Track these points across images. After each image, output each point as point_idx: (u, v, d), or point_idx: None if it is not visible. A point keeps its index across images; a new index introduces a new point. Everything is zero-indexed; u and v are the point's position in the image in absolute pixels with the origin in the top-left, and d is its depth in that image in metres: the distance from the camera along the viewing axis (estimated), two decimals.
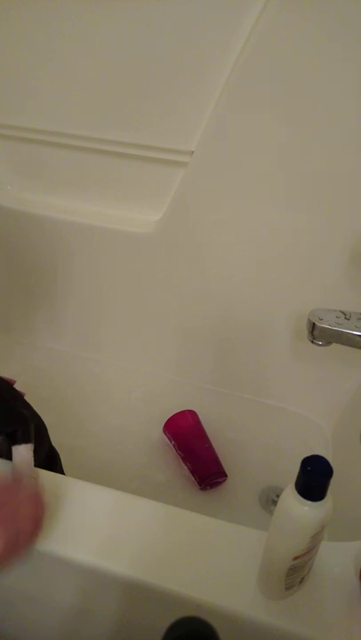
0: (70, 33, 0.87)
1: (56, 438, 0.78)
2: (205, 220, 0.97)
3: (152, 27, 0.83)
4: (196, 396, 1.15)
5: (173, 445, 1.04)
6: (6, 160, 1.06)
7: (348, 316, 0.73)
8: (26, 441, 0.65)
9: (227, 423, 1.10)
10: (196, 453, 1.01)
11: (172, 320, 1.14)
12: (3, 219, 1.09)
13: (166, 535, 0.58)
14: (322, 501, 0.44)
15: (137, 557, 0.55)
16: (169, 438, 1.06)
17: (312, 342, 0.75)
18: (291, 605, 0.52)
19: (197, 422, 1.06)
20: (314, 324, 0.73)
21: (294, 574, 0.50)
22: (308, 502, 0.44)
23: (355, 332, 0.71)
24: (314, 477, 0.44)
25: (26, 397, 0.76)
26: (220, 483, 0.99)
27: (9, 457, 0.64)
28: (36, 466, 0.64)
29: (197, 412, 1.08)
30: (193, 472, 0.99)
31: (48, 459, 0.77)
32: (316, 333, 0.73)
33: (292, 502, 0.45)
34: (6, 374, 0.77)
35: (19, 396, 0.75)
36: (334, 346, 0.74)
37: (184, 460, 1.01)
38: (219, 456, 1.01)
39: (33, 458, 0.65)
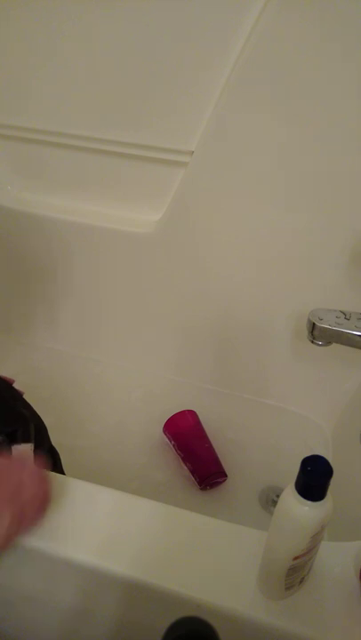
0: (70, 33, 0.87)
1: (56, 438, 0.78)
2: (205, 220, 0.97)
3: (152, 27, 0.83)
4: (196, 396, 1.15)
5: (173, 445, 1.04)
6: (6, 160, 1.06)
7: (348, 316, 0.73)
8: (26, 441, 0.65)
9: (227, 423, 1.10)
10: (196, 453, 1.01)
11: (172, 320, 1.14)
12: (3, 219, 1.09)
13: (166, 535, 0.58)
14: (322, 501, 0.44)
15: (137, 557, 0.55)
16: (169, 438, 1.06)
17: (312, 342, 0.75)
18: (291, 605, 0.52)
19: (197, 422, 1.06)
20: (314, 324, 0.73)
21: (294, 574, 0.50)
22: (308, 502, 0.44)
23: (355, 332, 0.71)
24: (314, 477, 0.44)
25: (26, 397, 0.76)
26: (220, 483, 0.99)
27: None
28: None
29: (197, 412, 1.08)
30: (193, 472, 0.99)
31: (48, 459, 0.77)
32: (316, 333, 0.73)
33: (292, 502, 0.45)
34: (6, 374, 0.77)
35: (18, 396, 0.76)
36: (334, 346, 0.74)
37: (184, 460, 1.01)
38: (219, 456, 1.01)
39: (33, 457, 0.65)
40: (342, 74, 0.76)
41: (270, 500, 0.98)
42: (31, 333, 1.28)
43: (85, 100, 0.93)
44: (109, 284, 1.14)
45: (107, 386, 1.19)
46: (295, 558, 0.47)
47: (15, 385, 0.77)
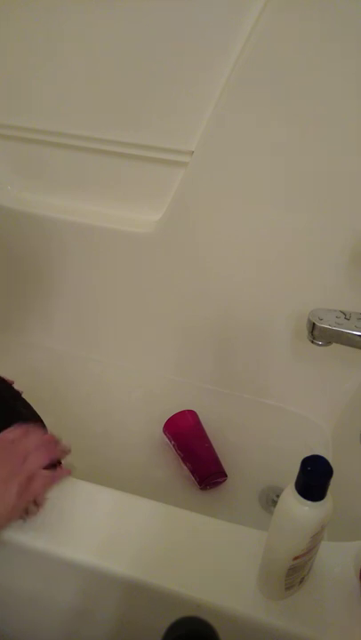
0: (70, 33, 0.87)
1: None
2: (205, 220, 0.97)
3: (152, 27, 0.83)
4: (196, 396, 1.15)
5: (173, 445, 1.04)
6: (6, 160, 1.06)
7: (348, 316, 0.73)
8: None
9: (227, 423, 1.10)
10: (196, 453, 1.01)
11: (172, 320, 1.14)
12: (3, 219, 1.09)
13: (166, 535, 0.58)
14: (322, 501, 0.44)
15: (137, 557, 0.55)
16: (169, 438, 1.06)
17: (312, 342, 0.75)
18: (291, 605, 0.52)
19: (197, 422, 1.06)
20: (314, 324, 0.73)
21: (294, 574, 0.50)
22: (308, 502, 0.44)
23: (355, 332, 0.71)
24: (314, 477, 0.44)
25: (26, 398, 0.77)
26: (220, 483, 0.99)
27: None
28: None
29: (197, 412, 1.08)
30: (193, 472, 0.99)
31: None
32: (316, 333, 0.73)
33: (292, 502, 0.45)
34: (6, 374, 0.77)
35: (18, 396, 0.76)
36: (334, 346, 0.74)
37: (184, 459, 1.01)
38: (219, 456, 1.01)
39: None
40: (342, 74, 0.76)
41: (270, 500, 0.98)
42: (31, 333, 1.28)
43: (85, 100, 0.93)
44: (109, 284, 1.14)
45: (107, 386, 1.19)
46: (295, 558, 0.47)
47: (14, 385, 0.77)
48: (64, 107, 0.95)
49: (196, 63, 0.84)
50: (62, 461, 0.67)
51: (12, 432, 0.59)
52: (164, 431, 1.06)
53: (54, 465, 0.62)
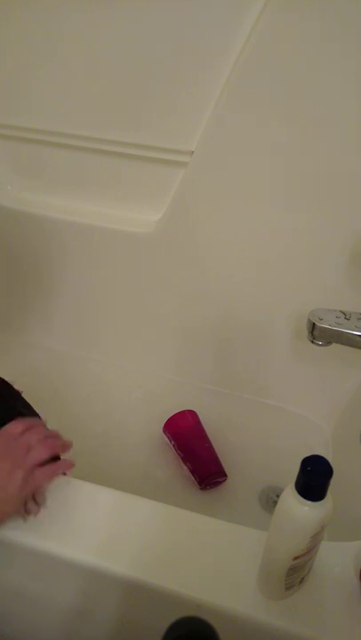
0: (70, 33, 0.87)
1: None
2: (205, 220, 0.97)
3: (152, 26, 0.83)
4: (196, 396, 1.15)
5: (173, 445, 1.04)
6: (6, 160, 1.06)
7: (348, 316, 0.73)
8: None
9: (227, 423, 1.10)
10: (196, 453, 1.01)
11: (172, 320, 1.14)
12: (3, 219, 1.09)
13: (166, 535, 0.58)
14: (322, 501, 0.44)
15: (137, 557, 0.55)
16: (169, 438, 1.06)
17: (312, 342, 0.75)
18: (291, 605, 0.52)
19: (197, 422, 1.06)
20: (314, 324, 0.73)
21: (294, 574, 0.50)
22: (308, 502, 0.44)
23: (355, 332, 0.71)
24: (314, 477, 0.44)
25: (26, 398, 0.77)
26: (220, 483, 0.99)
27: None
28: None
29: (197, 412, 1.08)
30: (193, 472, 0.99)
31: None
32: (316, 333, 0.73)
33: (292, 502, 0.45)
34: (5, 374, 0.77)
35: (18, 396, 0.76)
36: (334, 346, 0.74)
37: (184, 459, 1.01)
38: (219, 456, 1.01)
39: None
40: (342, 74, 0.76)
41: (270, 500, 0.98)
42: (31, 333, 1.28)
43: (85, 100, 0.93)
44: (109, 284, 1.14)
45: (107, 386, 1.19)
46: (295, 558, 0.47)
47: (15, 385, 0.77)
48: (64, 107, 0.95)
49: (196, 63, 0.84)
50: (62, 457, 0.67)
51: (15, 426, 0.60)
52: (164, 431, 1.06)
53: (55, 459, 0.62)
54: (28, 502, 0.58)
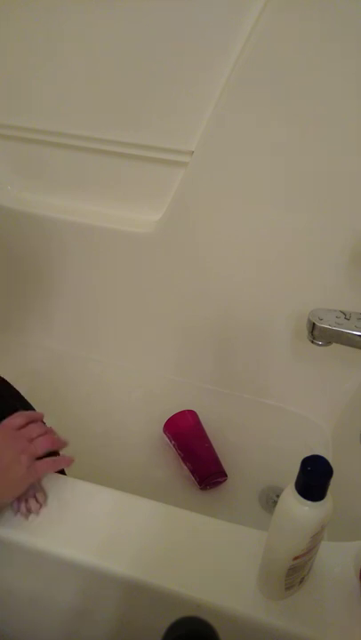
0: (70, 33, 0.87)
1: None
2: (205, 220, 0.97)
3: (152, 26, 0.83)
4: (196, 396, 1.15)
5: (173, 445, 1.04)
6: (6, 160, 1.06)
7: (348, 316, 0.73)
8: None
9: (227, 423, 1.10)
10: (196, 453, 1.01)
11: (172, 320, 1.14)
12: (3, 219, 1.09)
13: (166, 535, 0.58)
14: (322, 501, 0.44)
15: (137, 557, 0.55)
16: (169, 438, 1.06)
17: (312, 342, 0.75)
18: (291, 605, 0.52)
19: (197, 422, 1.06)
20: (314, 324, 0.73)
21: (294, 574, 0.50)
22: (308, 502, 0.44)
23: (355, 332, 0.71)
24: (314, 477, 0.44)
25: (26, 398, 0.77)
26: (220, 483, 0.99)
27: None
28: None
29: (197, 412, 1.08)
30: (193, 472, 0.99)
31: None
32: (316, 333, 0.73)
33: (292, 502, 0.45)
34: (5, 375, 0.77)
35: (18, 396, 0.76)
36: (334, 346, 0.74)
37: (184, 459, 1.01)
38: (219, 456, 1.01)
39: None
40: (342, 74, 0.76)
41: (270, 500, 0.98)
42: (31, 333, 1.28)
43: (85, 100, 0.93)
44: (109, 284, 1.14)
45: (107, 386, 1.19)
46: (295, 558, 0.47)
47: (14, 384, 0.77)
48: (64, 107, 0.95)
49: (196, 63, 0.84)
50: (61, 453, 0.68)
51: (15, 419, 0.62)
52: (165, 431, 1.06)
53: (54, 454, 0.63)
54: (29, 500, 0.58)
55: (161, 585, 0.54)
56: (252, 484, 1.00)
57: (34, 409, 0.75)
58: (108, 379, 1.21)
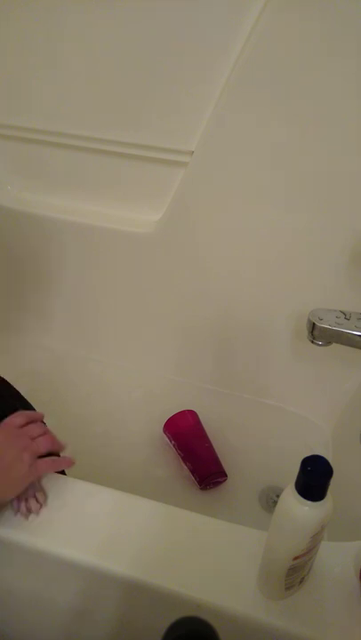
0: (70, 33, 0.87)
1: None
2: (205, 219, 0.97)
3: (152, 27, 0.83)
4: (196, 396, 1.15)
5: (173, 445, 1.04)
6: (6, 160, 1.06)
7: (348, 316, 0.73)
8: None
9: (227, 423, 1.10)
10: (196, 453, 1.01)
11: (172, 320, 1.14)
12: (3, 219, 1.09)
13: (166, 535, 0.58)
14: (322, 501, 0.44)
15: (137, 557, 0.55)
16: (169, 438, 1.06)
17: (312, 342, 0.75)
18: (291, 605, 0.52)
19: (197, 422, 1.06)
20: (314, 324, 0.73)
21: (294, 574, 0.50)
22: (308, 502, 0.44)
23: (355, 332, 0.71)
24: (314, 477, 0.44)
25: (26, 398, 0.76)
26: (221, 483, 0.99)
27: None
28: None
29: (197, 412, 1.08)
30: (193, 472, 0.99)
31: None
32: (316, 333, 0.73)
33: (292, 502, 0.45)
34: (6, 375, 0.77)
35: (18, 396, 0.76)
36: (334, 346, 0.74)
37: (184, 459, 1.01)
38: (219, 456, 1.01)
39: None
40: (342, 74, 0.76)
41: (270, 500, 0.98)
42: (31, 334, 1.28)
43: (85, 99, 0.93)
44: (109, 284, 1.14)
45: (107, 386, 1.19)
46: (295, 558, 0.47)
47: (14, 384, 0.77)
48: (64, 107, 0.95)
49: (196, 63, 0.84)
50: (62, 454, 0.67)
51: (16, 418, 0.62)
52: (165, 431, 1.06)
53: (53, 456, 0.63)
54: (30, 500, 0.58)
55: (161, 585, 0.54)
56: (252, 483, 1.00)
57: (34, 409, 0.75)
58: (108, 379, 1.21)
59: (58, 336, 1.26)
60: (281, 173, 0.87)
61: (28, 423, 0.62)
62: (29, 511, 0.58)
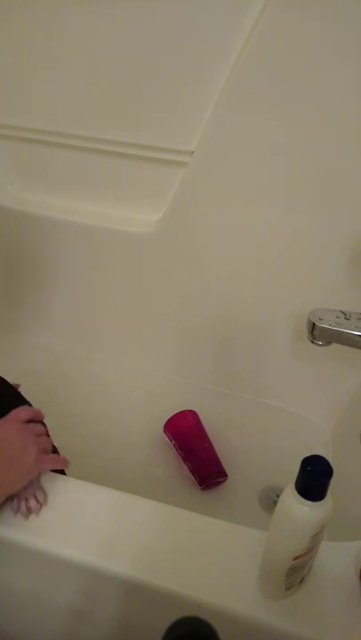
0: (70, 33, 0.87)
1: (56, 439, 0.78)
2: (205, 219, 0.97)
3: (152, 26, 0.83)
4: (196, 396, 1.15)
5: (174, 445, 1.04)
6: (6, 160, 1.06)
7: (348, 316, 0.73)
8: None
9: (227, 423, 1.10)
10: (196, 453, 1.01)
11: (172, 320, 1.14)
12: (3, 219, 1.09)
13: (166, 535, 0.58)
14: (322, 501, 0.44)
15: (137, 557, 0.55)
16: (169, 438, 1.06)
17: (312, 342, 0.75)
18: (291, 605, 0.52)
19: (198, 422, 1.06)
20: (314, 323, 0.73)
21: (294, 574, 0.50)
22: (308, 502, 0.44)
23: (355, 332, 0.71)
24: (314, 477, 0.44)
25: (26, 398, 0.76)
26: (221, 482, 0.99)
27: None
28: None
29: (197, 412, 1.08)
30: (193, 472, 0.99)
31: None
32: (316, 333, 0.73)
33: (292, 502, 0.45)
34: (6, 375, 0.77)
35: (18, 396, 0.76)
36: (334, 346, 0.74)
37: (184, 459, 1.01)
38: (219, 456, 1.01)
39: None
40: (342, 74, 0.76)
41: (270, 499, 0.98)
42: (31, 333, 1.28)
43: (85, 100, 0.93)
44: (109, 284, 1.14)
45: (107, 386, 1.19)
46: (295, 558, 0.47)
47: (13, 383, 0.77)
48: (64, 107, 0.95)
49: (196, 63, 0.84)
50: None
51: (22, 412, 0.64)
52: (165, 431, 1.06)
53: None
54: (30, 500, 0.58)
55: (161, 585, 0.54)
56: (252, 483, 1.00)
57: None
58: (108, 379, 1.21)
59: (58, 336, 1.26)
60: (281, 173, 0.87)
61: (31, 420, 0.64)
62: (29, 511, 0.58)
